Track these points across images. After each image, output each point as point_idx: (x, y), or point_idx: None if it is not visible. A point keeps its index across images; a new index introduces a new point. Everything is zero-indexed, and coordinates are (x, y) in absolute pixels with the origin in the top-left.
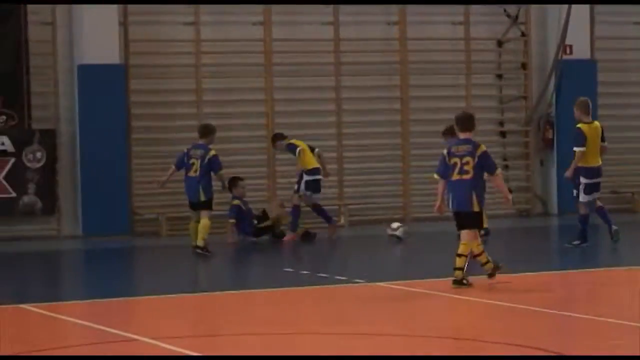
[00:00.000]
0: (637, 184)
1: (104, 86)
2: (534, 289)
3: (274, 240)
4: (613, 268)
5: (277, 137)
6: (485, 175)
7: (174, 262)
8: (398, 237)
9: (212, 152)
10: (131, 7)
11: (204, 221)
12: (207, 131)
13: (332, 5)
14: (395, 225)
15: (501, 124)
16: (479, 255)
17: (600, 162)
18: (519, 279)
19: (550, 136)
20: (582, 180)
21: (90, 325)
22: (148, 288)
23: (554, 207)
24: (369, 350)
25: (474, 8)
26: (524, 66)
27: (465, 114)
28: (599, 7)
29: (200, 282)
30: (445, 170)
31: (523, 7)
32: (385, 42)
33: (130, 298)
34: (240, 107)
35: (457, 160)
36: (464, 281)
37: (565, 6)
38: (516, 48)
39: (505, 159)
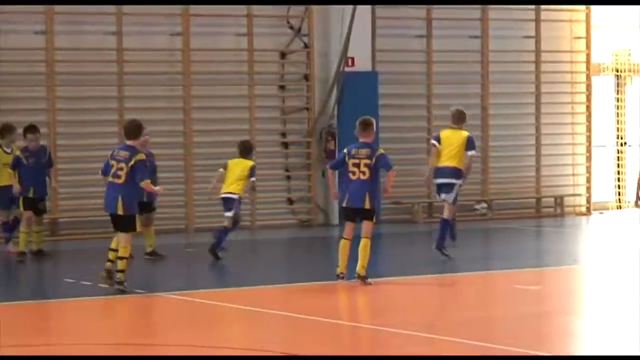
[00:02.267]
0: (417, 194)
1: None
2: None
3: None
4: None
5: None
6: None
7: None
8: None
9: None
10: None
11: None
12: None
13: (115, 15)
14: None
15: (283, 134)
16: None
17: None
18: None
19: (331, 147)
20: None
21: None
22: None
23: (334, 218)
24: None
25: (258, 20)
26: (306, 77)
27: (134, 122)
28: (381, 20)
29: None
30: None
31: (306, 19)
32: (168, 53)
33: None
34: (22, 117)
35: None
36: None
37: (348, 19)
38: (299, 59)
39: (287, 170)
